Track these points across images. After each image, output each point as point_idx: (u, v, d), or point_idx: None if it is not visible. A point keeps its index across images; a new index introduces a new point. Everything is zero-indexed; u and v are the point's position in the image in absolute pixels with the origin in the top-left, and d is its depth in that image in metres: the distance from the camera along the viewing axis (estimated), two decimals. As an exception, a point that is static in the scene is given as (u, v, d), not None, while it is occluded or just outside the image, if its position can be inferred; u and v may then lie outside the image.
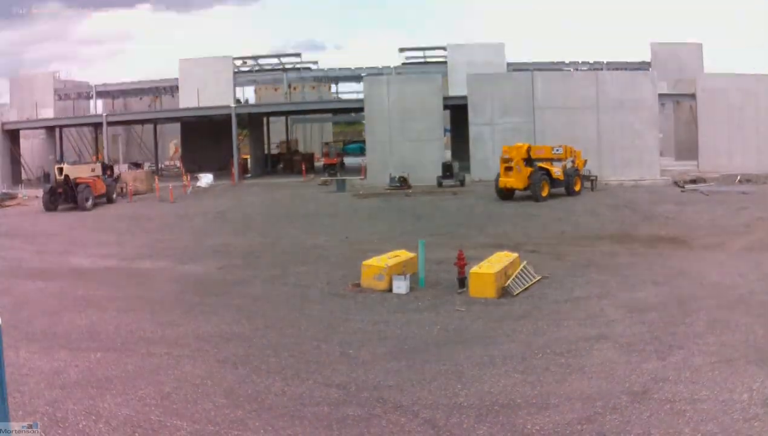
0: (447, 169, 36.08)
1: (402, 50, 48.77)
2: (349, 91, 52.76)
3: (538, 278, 14.39)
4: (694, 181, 33.85)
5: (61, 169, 32.45)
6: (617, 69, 43.79)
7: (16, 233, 25.12)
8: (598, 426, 7.23)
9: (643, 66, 44.64)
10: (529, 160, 29.82)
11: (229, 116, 42.64)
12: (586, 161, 32.58)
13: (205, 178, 40.20)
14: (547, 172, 30.04)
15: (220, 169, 44.65)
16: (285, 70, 48.11)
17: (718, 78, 40.27)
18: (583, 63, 45.97)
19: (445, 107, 40.91)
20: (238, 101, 47.76)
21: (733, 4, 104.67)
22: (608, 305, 12.35)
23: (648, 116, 38.24)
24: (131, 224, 26.75)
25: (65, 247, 21.31)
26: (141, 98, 55.78)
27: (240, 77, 48.03)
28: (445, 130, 43.27)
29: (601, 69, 43.97)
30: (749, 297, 12.63)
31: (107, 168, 35.56)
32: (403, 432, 7.28)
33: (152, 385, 8.74)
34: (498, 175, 29.92)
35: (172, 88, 49.50)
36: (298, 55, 48.64)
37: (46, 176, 43.49)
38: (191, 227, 25.35)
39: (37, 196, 35.13)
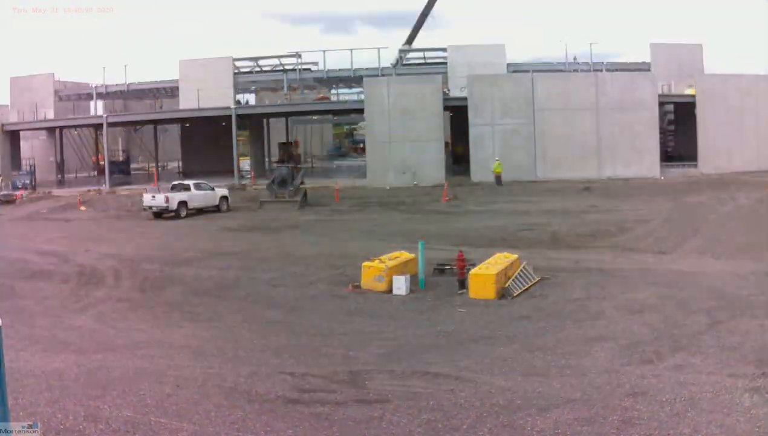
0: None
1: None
2: (349, 92, 52.41)
3: (538, 278, 14.40)
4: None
5: None
6: (617, 70, 43.77)
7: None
8: (599, 427, 7.23)
9: (643, 66, 44.61)
10: None
11: (229, 117, 42.62)
12: None
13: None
14: None
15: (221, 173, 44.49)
16: (285, 71, 48.05)
17: (718, 78, 40.27)
18: (583, 64, 45.91)
19: (445, 108, 40.90)
20: (238, 102, 47.65)
21: (733, 4, 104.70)
22: (608, 306, 12.36)
23: (648, 117, 38.24)
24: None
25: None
26: (141, 99, 55.76)
27: (240, 78, 47.97)
28: None
29: (601, 70, 43.95)
30: (748, 298, 12.64)
31: None
32: (403, 433, 7.28)
33: (153, 386, 8.74)
34: None
35: (172, 89, 49.43)
36: (298, 55, 48.48)
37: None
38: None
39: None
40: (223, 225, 26.60)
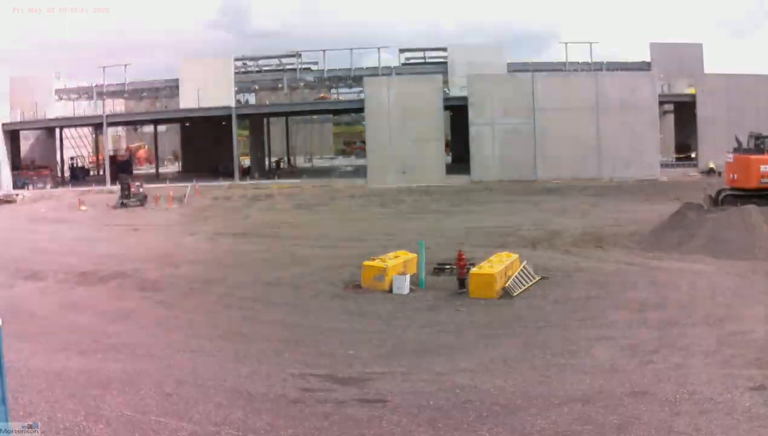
0: None
1: (402, 51, 48.73)
2: (349, 92, 52.32)
3: (538, 278, 14.39)
4: None
5: None
6: (617, 69, 43.76)
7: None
8: (599, 427, 7.23)
9: (643, 66, 44.59)
10: None
11: (229, 117, 42.62)
12: None
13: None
14: None
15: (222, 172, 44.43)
16: (285, 70, 48.04)
17: (718, 78, 40.25)
18: (583, 63, 45.86)
19: (445, 108, 40.90)
20: (238, 102, 47.64)
21: (733, 4, 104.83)
22: (608, 306, 12.36)
23: (648, 117, 38.24)
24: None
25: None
26: (141, 99, 55.69)
27: (240, 77, 47.95)
28: None
29: (601, 69, 43.93)
30: (748, 298, 12.64)
31: None
32: (404, 432, 7.27)
33: (153, 385, 8.73)
34: None
35: (172, 89, 49.39)
36: (298, 55, 48.39)
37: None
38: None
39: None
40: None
